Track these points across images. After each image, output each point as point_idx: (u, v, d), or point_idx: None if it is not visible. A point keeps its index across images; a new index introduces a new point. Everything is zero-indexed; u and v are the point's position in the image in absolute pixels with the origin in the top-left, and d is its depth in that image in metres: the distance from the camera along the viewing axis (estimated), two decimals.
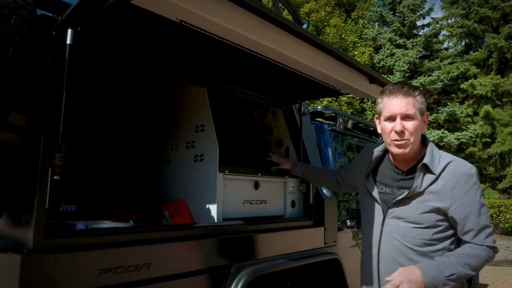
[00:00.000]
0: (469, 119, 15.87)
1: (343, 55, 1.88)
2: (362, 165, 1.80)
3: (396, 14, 17.26)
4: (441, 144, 14.77)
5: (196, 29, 1.45)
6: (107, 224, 1.65)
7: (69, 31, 1.46)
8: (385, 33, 16.95)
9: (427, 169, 1.53)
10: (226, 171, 2.12)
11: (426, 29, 17.56)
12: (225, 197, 2.11)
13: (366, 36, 17.21)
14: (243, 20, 1.44)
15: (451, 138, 14.64)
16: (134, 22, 1.54)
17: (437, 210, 1.53)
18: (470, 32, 17.17)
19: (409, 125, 1.55)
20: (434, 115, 15.65)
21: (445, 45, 18.05)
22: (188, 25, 1.41)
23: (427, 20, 21.56)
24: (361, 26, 17.99)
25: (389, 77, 15.72)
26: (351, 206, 3.27)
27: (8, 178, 1.39)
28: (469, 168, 1.54)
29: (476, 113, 16.33)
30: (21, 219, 1.35)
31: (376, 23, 18.26)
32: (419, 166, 1.54)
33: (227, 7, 1.35)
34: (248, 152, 2.80)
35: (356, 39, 16.46)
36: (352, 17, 18.65)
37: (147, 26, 1.57)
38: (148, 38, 1.74)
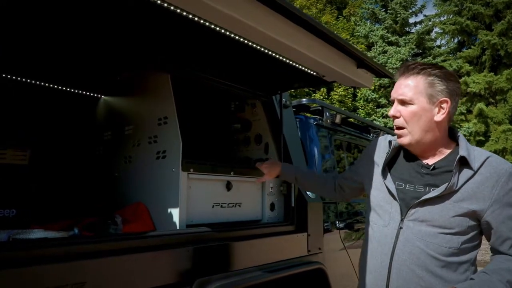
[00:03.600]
0: (463, 117, 15.76)
1: (326, 31, 1.60)
2: (374, 157, 1.54)
3: (388, 11, 17.14)
4: None
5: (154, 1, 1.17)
6: (37, 233, 1.36)
7: None
8: (377, 30, 16.82)
9: (464, 164, 1.29)
10: (191, 170, 1.83)
11: (418, 27, 17.45)
12: (190, 200, 1.82)
13: (358, 33, 17.07)
14: None
15: None
16: None
17: (472, 213, 1.28)
18: (463, 29, 17.06)
19: (405, 111, 1.34)
20: None
21: (438, 42, 17.94)
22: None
23: (420, 17, 21.42)
24: (353, 23, 17.83)
25: None
26: (340, 208, 2.99)
27: None
28: (510, 166, 1.29)
29: (469, 111, 16.22)
30: None
31: (368, 21, 18.10)
32: (457, 159, 1.28)
33: None
34: (220, 148, 2.52)
35: (348, 37, 16.27)
36: (344, 15, 18.47)
37: None
38: (95, 13, 1.45)
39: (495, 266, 1.26)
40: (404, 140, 1.37)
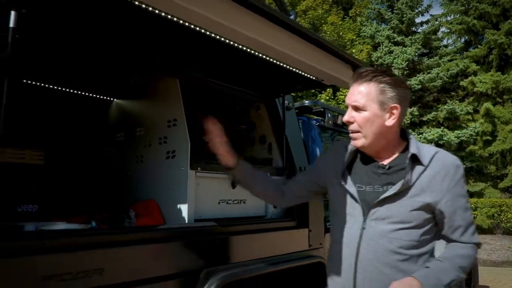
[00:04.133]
0: (469, 116, 15.73)
1: (323, 41, 1.73)
2: (335, 160, 1.57)
3: (394, 11, 17.13)
4: (440, 142, 14.63)
5: (162, 14, 1.31)
6: (60, 225, 1.51)
7: (12, 12, 1.33)
8: (383, 30, 16.83)
9: (416, 161, 1.39)
10: (198, 168, 1.97)
11: (425, 26, 17.43)
12: (198, 196, 1.97)
13: (364, 33, 17.11)
14: (216, 5, 1.30)
15: (451, 136, 14.51)
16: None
17: (427, 206, 1.37)
18: (470, 28, 17.01)
19: (358, 116, 1.41)
20: (434, 113, 15.51)
21: (444, 42, 17.91)
22: (151, 9, 1.27)
23: (426, 17, 21.40)
24: (359, 23, 17.89)
25: None
26: None
27: None
28: (456, 159, 1.42)
29: (476, 111, 16.19)
30: None
31: (374, 21, 18.14)
32: (408, 157, 1.38)
33: None
34: None
35: (354, 37, 16.36)
36: (350, 15, 18.54)
37: (106, 7, 1.42)
38: (108, 22, 1.60)
39: (448, 253, 1.37)
40: (359, 143, 1.44)
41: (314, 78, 2.06)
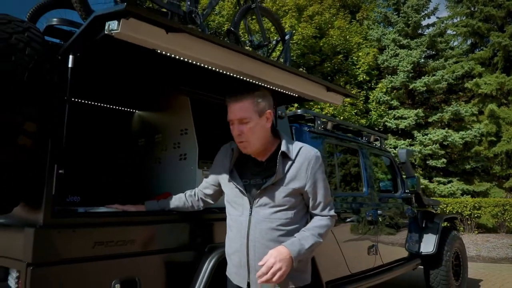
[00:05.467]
0: (474, 118, 15.93)
1: (304, 75, 2.32)
2: (223, 162, 1.89)
3: (401, 14, 17.40)
4: (445, 143, 14.89)
5: (177, 57, 1.85)
6: (101, 209, 2.06)
7: (70, 56, 1.87)
8: (389, 33, 17.10)
9: (285, 156, 1.72)
10: (205, 168, 2.51)
11: (431, 29, 17.65)
12: None
13: (371, 37, 17.37)
14: (217, 54, 1.84)
15: (456, 137, 14.75)
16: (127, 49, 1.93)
17: (296, 191, 1.71)
18: (475, 31, 17.25)
19: (245, 128, 1.71)
20: (439, 114, 15.77)
21: (450, 44, 18.10)
22: (165, 54, 1.81)
23: (432, 19, 21.56)
24: (366, 27, 18.14)
25: (393, 78, 15.92)
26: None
27: (24, 174, 1.79)
28: (316, 151, 1.77)
29: (481, 112, 16.39)
30: (35, 203, 1.76)
31: (381, 24, 18.41)
32: (279, 154, 1.71)
33: (197, 42, 1.74)
34: None
35: (361, 40, 16.62)
36: (357, 18, 18.81)
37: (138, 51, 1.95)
38: (142, 60, 2.13)
39: (311, 225, 1.73)
40: (248, 150, 1.77)
41: (296, 95, 2.58)
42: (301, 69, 13.60)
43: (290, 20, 14.17)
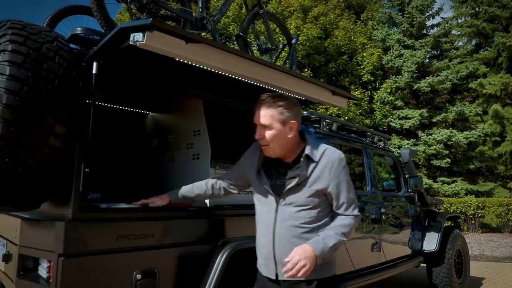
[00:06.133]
0: (478, 118, 15.96)
1: (311, 80, 2.45)
2: (251, 162, 1.98)
3: (405, 15, 17.45)
4: (449, 143, 14.94)
5: (190, 63, 2.00)
6: (123, 205, 2.21)
7: (94, 63, 2.02)
8: (393, 34, 17.14)
9: (309, 159, 1.80)
10: (217, 167, 2.65)
11: (435, 29, 17.68)
12: None
13: (375, 37, 17.42)
14: (231, 61, 1.99)
15: (460, 137, 14.79)
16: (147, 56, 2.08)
17: (320, 192, 1.78)
18: (479, 31, 17.26)
19: (266, 133, 1.80)
20: (443, 114, 15.83)
21: (455, 44, 18.12)
22: (184, 62, 1.96)
23: (437, 20, 21.56)
24: (370, 27, 18.18)
25: (397, 78, 15.99)
26: None
27: (53, 172, 1.95)
28: (340, 153, 1.84)
29: (485, 112, 16.41)
30: (64, 200, 1.91)
31: (386, 24, 18.45)
32: (302, 157, 1.79)
33: (211, 52, 1.89)
34: (235, 151, 3.35)
35: (366, 41, 16.67)
36: (362, 19, 18.87)
37: (157, 59, 2.10)
38: (161, 66, 2.28)
39: (334, 223, 1.81)
40: (270, 154, 1.86)
41: (304, 98, 2.73)
42: (306, 70, 13.73)
43: (296, 21, 14.27)
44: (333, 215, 1.87)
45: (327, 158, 1.80)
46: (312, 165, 1.80)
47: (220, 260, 2.32)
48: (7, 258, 2.20)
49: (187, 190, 2.23)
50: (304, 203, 1.79)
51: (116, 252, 1.94)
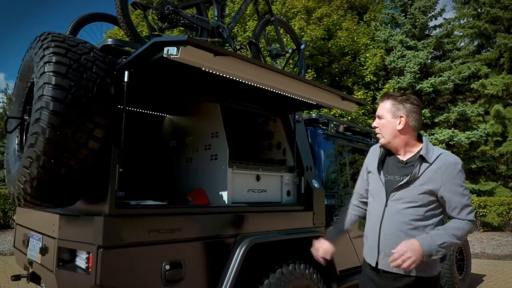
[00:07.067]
0: (480, 118, 16.08)
1: (323, 87, 2.64)
2: (371, 160, 2.11)
3: (408, 16, 17.56)
4: (451, 143, 15.08)
5: (210, 71, 2.18)
6: (150, 202, 2.41)
7: (126, 72, 2.21)
8: (396, 35, 17.26)
9: (423, 159, 1.86)
10: (234, 167, 2.84)
11: (438, 30, 17.79)
12: (234, 186, 2.82)
13: (378, 38, 17.53)
14: (252, 71, 2.17)
15: (461, 137, 14.93)
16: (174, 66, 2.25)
17: (430, 192, 1.83)
18: (481, 32, 17.37)
19: (379, 122, 1.99)
20: (445, 115, 15.97)
21: (457, 45, 18.22)
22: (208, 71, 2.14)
23: (439, 21, 21.63)
24: (373, 28, 18.29)
25: (400, 78, 16.12)
26: (340, 194, 3.93)
27: (91, 172, 2.13)
28: (456, 158, 1.87)
29: (487, 113, 16.53)
30: (101, 197, 2.10)
31: (389, 25, 18.56)
32: (417, 156, 1.88)
33: (232, 61, 2.08)
34: (252, 152, 3.53)
35: (369, 41, 16.77)
36: (365, 20, 18.97)
37: (182, 68, 2.27)
38: (185, 75, 2.46)
39: (447, 225, 1.83)
40: (382, 141, 2.00)
41: (314, 103, 2.91)
42: (310, 70, 13.89)
43: (299, 22, 14.40)
44: (444, 219, 1.92)
45: (442, 161, 1.85)
46: (426, 165, 1.86)
47: (238, 253, 2.52)
48: (44, 251, 2.39)
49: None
50: (412, 200, 1.85)
51: (147, 244, 2.13)
